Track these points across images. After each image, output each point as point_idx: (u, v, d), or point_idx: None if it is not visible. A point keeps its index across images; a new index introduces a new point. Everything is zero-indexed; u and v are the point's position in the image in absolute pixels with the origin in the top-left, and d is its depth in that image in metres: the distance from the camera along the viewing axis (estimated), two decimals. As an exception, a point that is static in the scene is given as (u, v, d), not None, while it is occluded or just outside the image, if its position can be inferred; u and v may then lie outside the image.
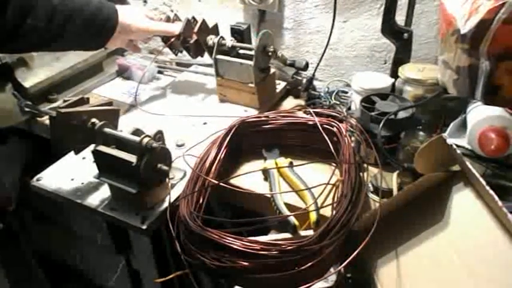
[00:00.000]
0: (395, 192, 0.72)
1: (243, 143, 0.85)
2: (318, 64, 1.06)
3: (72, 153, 0.85)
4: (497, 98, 0.66)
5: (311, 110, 0.84)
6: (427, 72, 0.84)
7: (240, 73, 0.96)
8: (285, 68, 1.05)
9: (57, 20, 0.81)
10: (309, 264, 0.59)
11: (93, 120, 0.73)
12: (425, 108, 0.83)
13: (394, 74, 0.90)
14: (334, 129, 0.80)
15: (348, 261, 0.60)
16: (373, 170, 0.77)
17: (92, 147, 0.73)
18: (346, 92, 1.02)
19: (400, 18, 0.91)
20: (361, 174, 0.72)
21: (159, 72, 1.23)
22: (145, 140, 0.68)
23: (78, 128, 0.73)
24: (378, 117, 0.76)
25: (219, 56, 0.97)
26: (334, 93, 1.01)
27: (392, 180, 0.74)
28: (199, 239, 0.62)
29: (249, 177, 0.79)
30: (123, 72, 1.20)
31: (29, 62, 1.02)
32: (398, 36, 0.90)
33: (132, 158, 0.69)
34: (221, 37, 0.97)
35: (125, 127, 0.75)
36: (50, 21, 0.80)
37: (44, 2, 0.79)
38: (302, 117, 0.84)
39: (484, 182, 0.55)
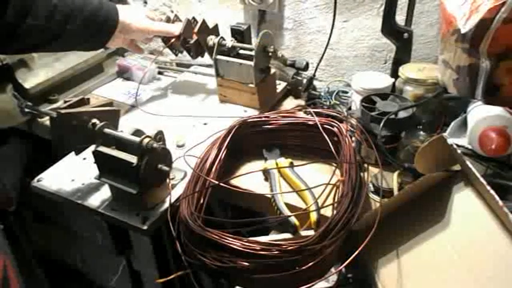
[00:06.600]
0: (395, 192, 0.72)
1: (243, 143, 0.85)
2: (318, 64, 1.06)
3: (72, 154, 0.85)
4: (498, 97, 0.65)
5: (311, 110, 0.84)
6: (427, 72, 0.84)
7: (240, 73, 0.96)
8: (285, 68, 1.05)
9: (57, 19, 0.80)
10: (310, 264, 0.59)
11: (94, 120, 0.73)
12: (425, 108, 0.83)
13: (395, 74, 0.90)
14: (335, 129, 0.80)
15: (348, 261, 0.60)
16: (374, 170, 0.77)
17: (92, 147, 0.73)
18: (347, 92, 1.02)
19: (400, 18, 0.91)
20: (361, 174, 0.72)
21: (160, 72, 1.23)
22: (146, 140, 0.68)
23: (78, 128, 0.73)
24: (378, 117, 0.76)
25: (219, 57, 0.97)
26: (335, 93, 1.01)
27: (393, 180, 0.74)
28: (199, 239, 0.62)
29: (250, 178, 0.79)
30: (124, 73, 1.20)
31: (29, 62, 1.02)
32: (399, 36, 0.90)
33: (132, 159, 0.69)
34: (221, 37, 0.97)
35: (125, 128, 0.75)
36: (50, 21, 0.80)
37: (44, 1, 0.79)
38: (302, 118, 0.84)
39: (484, 182, 0.55)
